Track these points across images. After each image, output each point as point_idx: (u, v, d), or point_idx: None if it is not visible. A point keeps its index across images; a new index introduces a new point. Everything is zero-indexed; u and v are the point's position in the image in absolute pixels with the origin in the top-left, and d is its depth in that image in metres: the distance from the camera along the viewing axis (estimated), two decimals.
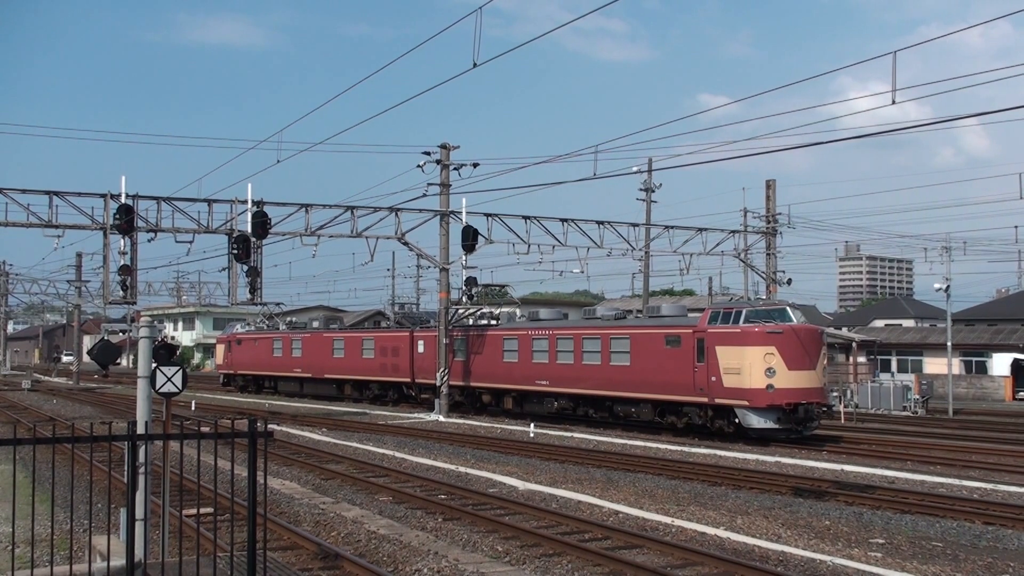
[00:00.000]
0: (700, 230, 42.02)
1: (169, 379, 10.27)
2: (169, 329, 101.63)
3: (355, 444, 27.74)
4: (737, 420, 28.34)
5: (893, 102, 18.79)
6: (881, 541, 14.35)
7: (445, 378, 38.38)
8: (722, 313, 29.53)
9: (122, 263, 30.87)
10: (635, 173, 43.17)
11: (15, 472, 7.94)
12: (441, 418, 37.09)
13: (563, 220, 38.68)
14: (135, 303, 35.31)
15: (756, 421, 27.94)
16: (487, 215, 37.82)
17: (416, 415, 38.78)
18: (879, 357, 60.14)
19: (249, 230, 32.55)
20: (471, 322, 41.59)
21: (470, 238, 36.79)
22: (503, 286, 46.12)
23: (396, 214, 36.84)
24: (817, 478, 20.75)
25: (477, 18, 18.63)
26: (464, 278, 38.19)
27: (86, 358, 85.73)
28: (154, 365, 10.35)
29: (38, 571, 8.12)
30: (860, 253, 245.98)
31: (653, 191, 49.15)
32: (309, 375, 51.12)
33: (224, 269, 35.32)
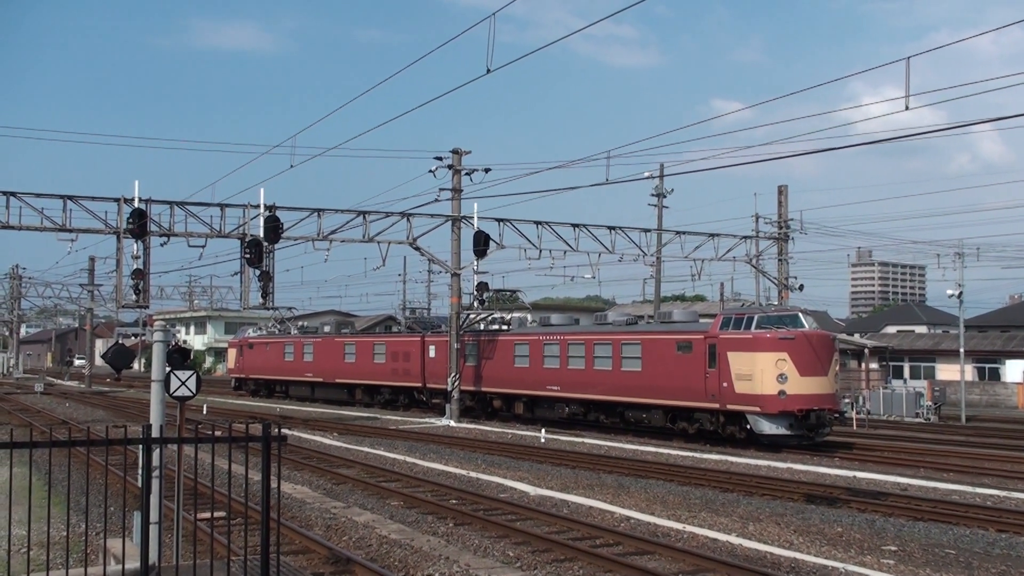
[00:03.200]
0: (712, 235, 41.99)
1: (183, 383, 10.33)
2: (181, 333, 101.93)
3: (366, 449, 27.78)
4: (749, 426, 28.28)
5: (907, 108, 18.77)
6: (894, 548, 14.31)
7: (456, 383, 38.41)
8: (734, 319, 29.49)
9: (135, 267, 31.00)
10: (647, 178, 43.24)
11: (31, 475, 7.99)
12: (452, 423, 37.11)
13: (575, 225, 38.71)
14: (148, 307, 35.47)
15: (768, 427, 27.88)
16: (499, 220, 37.86)
17: (427, 420, 38.82)
18: (891, 363, 59.94)
19: (261, 234, 32.66)
20: (482, 327, 41.63)
21: (481, 243, 36.83)
22: (514, 291, 46.19)
23: (408, 219, 36.93)
24: (829, 485, 20.69)
25: (490, 24, 18.68)
26: (475, 283, 38.23)
27: (98, 361, 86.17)
28: (168, 369, 10.41)
29: (53, 573, 8.17)
30: (872, 259, 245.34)
31: (665, 196, 49.11)
32: (320, 379, 51.22)
33: (236, 273, 35.47)
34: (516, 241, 37.94)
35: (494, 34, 18.75)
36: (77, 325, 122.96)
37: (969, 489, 20.38)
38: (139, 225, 30.80)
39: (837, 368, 29.71)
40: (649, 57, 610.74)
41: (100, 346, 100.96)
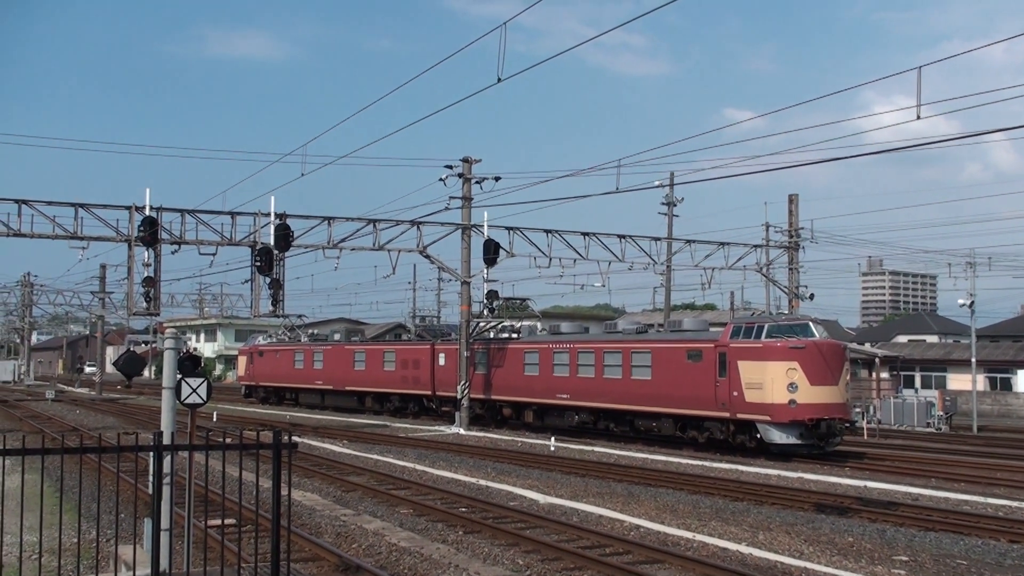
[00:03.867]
0: (722, 244, 41.98)
1: (194, 390, 10.36)
2: (192, 341, 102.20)
3: (376, 456, 27.79)
4: (759, 435, 28.21)
5: (918, 117, 18.72)
6: (905, 558, 14.25)
7: (466, 391, 38.41)
8: (744, 328, 29.44)
9: (146, 275, 31.14)
10: (657, 187, 43.16)
11: (43, 482, 8.02)
12: (462, 431, 37.10)
13: (585, 234, 38.73)
14: (158, 314, 35.60)
15: (778, 436, 27.80)
16: (509, 229, 37.91)
17: (437, 428, 38.81)
18: (902, 373, 59.68)
19: (272, 243, 32.77)
20: (492, 335, 41.64)
21: (492, 252, 36.86)
22: (524, 299, 46.11)
23: (418, 227, 36.98)
24: (840, 494, 20.63)
25: (502, 33, 18.70)
26: (485, 291, 38.27)
27: (109, 368, 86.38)
28: (179, 376, 10.44)
29: None
30: (883, 268, 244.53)
31: (675, 205, 49.08)
32: (330, 387, 51.28)
33: (247, 281, 35.56)
34: (526, 249, 38.01)
35: (505, 43, 18.80)
36: (88, 332, 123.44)
37: (980, 499, 20.28)
38: (150, 233, 30.93)
39: (848, 377, 29.62)
40: (660, 66, 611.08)
41: (111, 353, 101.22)
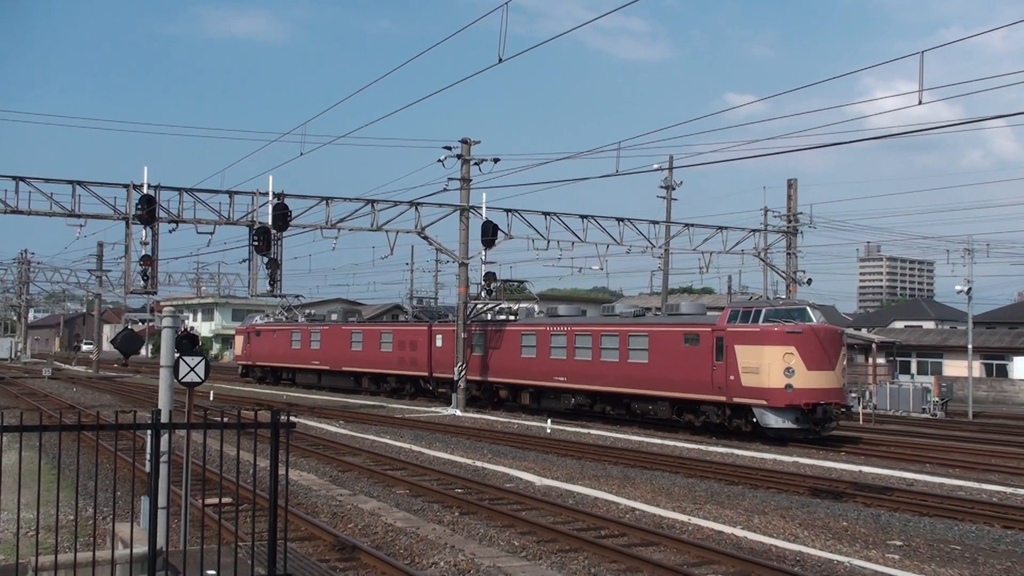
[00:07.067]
0: (720, 228, 41.96)
1: (192, 369, 10.35)
2: (189, 320, 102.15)
3: (372, 437, 27.84)
4: (755, 419, 28.26)
5: (920, 102, 18.67)
6: (899, 543, 14.30)
7: (463, 373, 38.44)
8: (741, 312, 29.45)
9: (143, 253, 31.06)
10: (656, 170, 43.10)
11: (40, 459, 8.02)
12: (458, 412, 37.16)
13: (583, 217, 38.69)
14: (156, 293, 35.58)
15: (774, 421, 27.86)
16: (507, 211, 37.86)
17: (433, 409, 38.87)
18: (898, 359, 59.80)
19: (270, 222, 32.69)
20: (489, 317, 41.65)
21: (490, 233, 36.80)
22: (522, 282, 46.09)
23: (416, 208, 36.93)
24: (835, 479, 20.69)
25: (503, 14, 18.64)
26: (483, 273, 38.24)
27: (106, 347, 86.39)
28: (177, 355, 10.42)
29: (61, 557, 8.21)
30: (881, 254, 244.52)
31: (674, 189, 49.02)
32: (327, 367, 51.31)
33: (244, 261, 35.53)
34: (524, 232, 37.98)
35: (506, 23, 18.72)
36: (85, 310, 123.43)
37: (975, 485, 20.36)
38: (148, 211, 30.82)
39: (844, 363, 29.66)
40: (659, 51, 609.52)
41: (108, 331, 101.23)
